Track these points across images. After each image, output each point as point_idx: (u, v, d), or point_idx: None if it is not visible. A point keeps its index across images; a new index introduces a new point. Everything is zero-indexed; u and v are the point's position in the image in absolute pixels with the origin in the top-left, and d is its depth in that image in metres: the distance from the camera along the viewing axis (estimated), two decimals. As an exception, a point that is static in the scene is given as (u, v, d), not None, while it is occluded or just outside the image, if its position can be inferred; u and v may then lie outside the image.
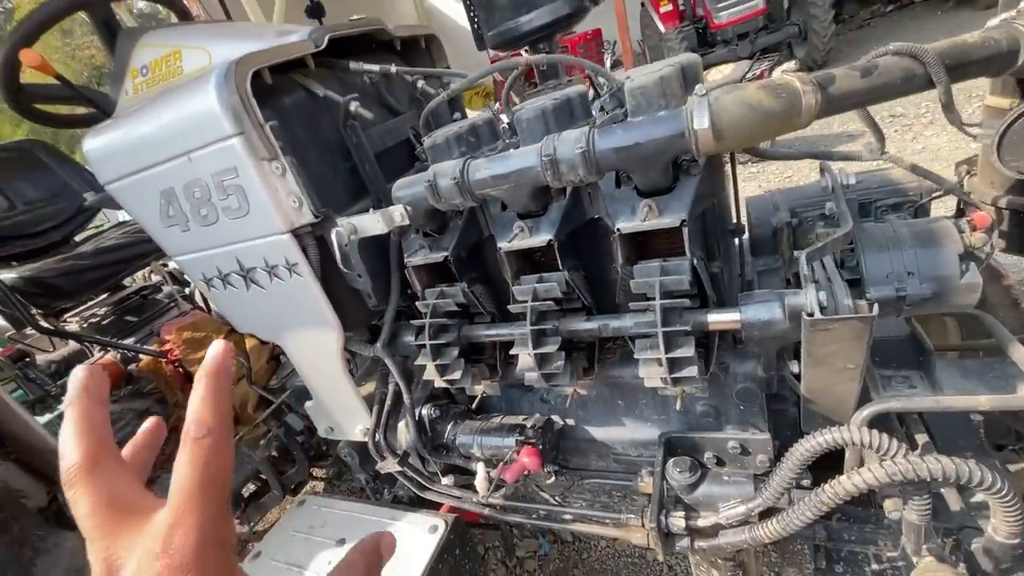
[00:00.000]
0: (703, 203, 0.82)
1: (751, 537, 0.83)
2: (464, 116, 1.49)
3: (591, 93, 1.14)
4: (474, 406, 1.15)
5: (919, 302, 0.78)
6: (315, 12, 2.19)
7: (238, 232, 0.96)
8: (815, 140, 4.92)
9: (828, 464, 0.84)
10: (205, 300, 2.00)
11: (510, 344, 0.98)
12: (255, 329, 1.14)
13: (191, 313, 1.96)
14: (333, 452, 1.72)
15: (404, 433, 1.14)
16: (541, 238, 0.87)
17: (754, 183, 4.58)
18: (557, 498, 1.16)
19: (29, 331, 1.84)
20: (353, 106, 0.99)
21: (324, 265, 0.99)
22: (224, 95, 0.82)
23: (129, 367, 1.86)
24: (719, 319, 0.82)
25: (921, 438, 0.96)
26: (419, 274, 1.03)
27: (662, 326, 0.77)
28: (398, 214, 0.87)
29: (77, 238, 2.20)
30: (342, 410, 1.18)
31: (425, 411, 1.16)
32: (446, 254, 0.96)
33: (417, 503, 1.26)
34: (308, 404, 1.24)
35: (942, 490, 0.89)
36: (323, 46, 0.98)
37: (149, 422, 0.41)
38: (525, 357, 0.92)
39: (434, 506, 1.26)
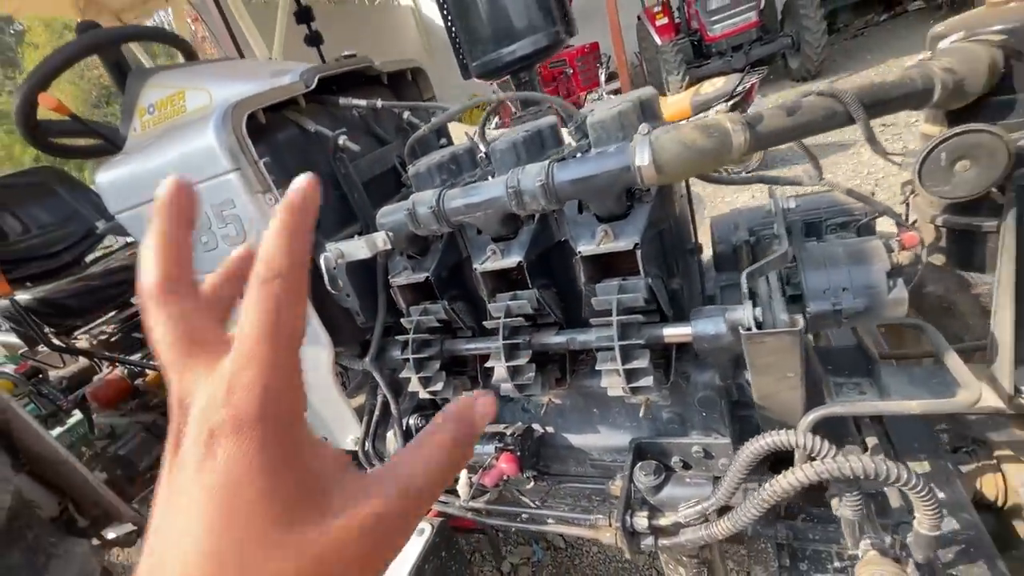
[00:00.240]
0: (656, 227, 0.90)
1: (708, 534, 0.90)
2: (450, 142, 1.58)
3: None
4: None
5: (854, 315, 0.85)
6: (313, 41, 2.30)
7: (236, 257, 1.05)
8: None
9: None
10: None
11: (488, 357, 1.06)
12: (253, 345, 1.22)
13: (195, 329, 2.04)
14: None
15: (392, 442, 1.22)
16: (512, 259, 0.95)
17: (747, 193, 4.66)
18: (536, 502, 1.23)
19: (42, 348, 1.93)
20: (341, 140, 1.08)
21: (315, 286, 1.07)
22: (222, 136, 0.91)
23: (136, 381, 1.95)
24: (673, 333, 0.89)
25: (871, 441, 1.03)
26: (403, 293, 1.11)
27: (619, 340, 0.85)
28: (381, 240, 0.96)
29: (88, 259, 2.31)
30: (334, 420, 1.26)
31: (412, 421, 1.23)
32: (427, 274, 1.04)
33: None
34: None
35: (885, 489, 0.95)
36: (313, 86, 1.07)
37: (239, 250, 0.35)
38: (499, 369, 0.99)
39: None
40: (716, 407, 1.03)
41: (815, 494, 1.04)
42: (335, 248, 0.97)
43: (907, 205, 1.11)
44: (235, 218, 0.99)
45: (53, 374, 1.98)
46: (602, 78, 5.93)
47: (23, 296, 1.78)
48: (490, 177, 1.06)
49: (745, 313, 0.77)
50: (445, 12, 1.50)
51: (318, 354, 1.12)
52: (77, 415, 2.01)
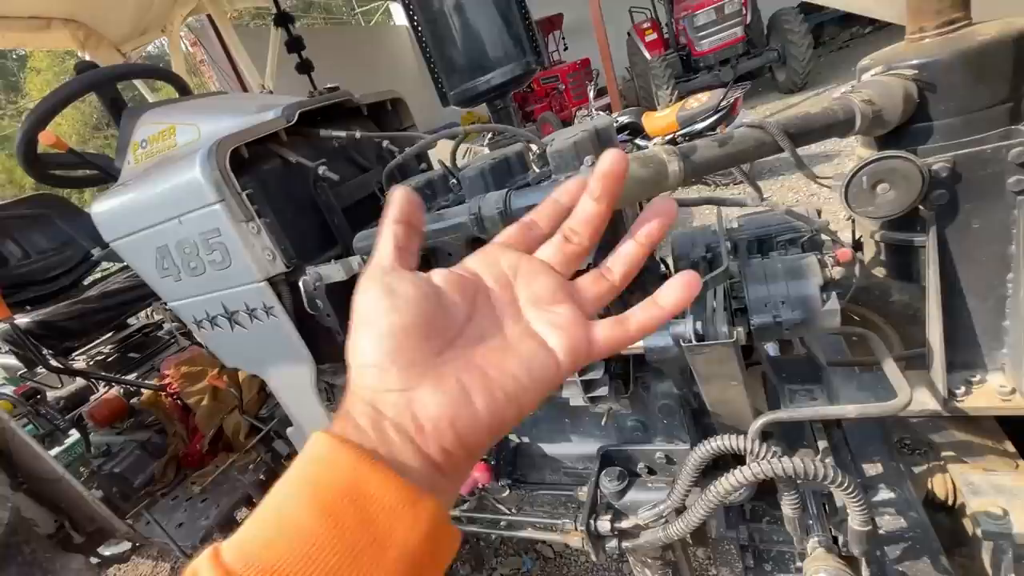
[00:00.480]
0: (609, 248, 0.96)
1: (665, 535, 0.95)
2: (430, 167, 1.66)
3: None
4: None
5: (793, 326, 0.91)
6: (304, 68, 2.39)
7: (222, 281, 1.12)
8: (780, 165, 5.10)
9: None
10: (203, 336, 2.15)
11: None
12: (241, 364, 1.28)
13: (190, 349, 2.12)
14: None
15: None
16: (478, 280, 1.02)
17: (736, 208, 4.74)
18: (513, 509, 1.28)
19: (40, 370, 2.00)
20: (321, 170, 1.15)
21: (298, 307, 1.14)
22: (207, 170, 0.99)
23: (132, 401, 2.00)
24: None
25: (823, 444, 1.09)
26: (381, 312, 1.17)
27: (575, 353, 0.91)
28: (356, 263, 1.02)
29: (86, 282, 2.38)
30: (319, 434, 1.32)
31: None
32: (402, 294, 1.11)
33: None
34: (289, 430, 1.37)
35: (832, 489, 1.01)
36: (294, 121, 1.15)
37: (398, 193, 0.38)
38: (469, 383, 1.05)
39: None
40: (676, 415, 1.09)
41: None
42: (313, 271, 1.04)
43: (853, 221, 1.18)
44: (220, 245, 1.06)
45: (51, 394, 2.04)
46: (591, 94, 6.06)
47: (22, 319, 1.85)
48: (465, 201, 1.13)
49: (687, 327, 0.83)
50: (423, 44, 1.59)
51: (301, 371, 1.19)
52: (75, 434, 2.06)
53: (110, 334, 2.30)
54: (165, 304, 2.41)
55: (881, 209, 0.87)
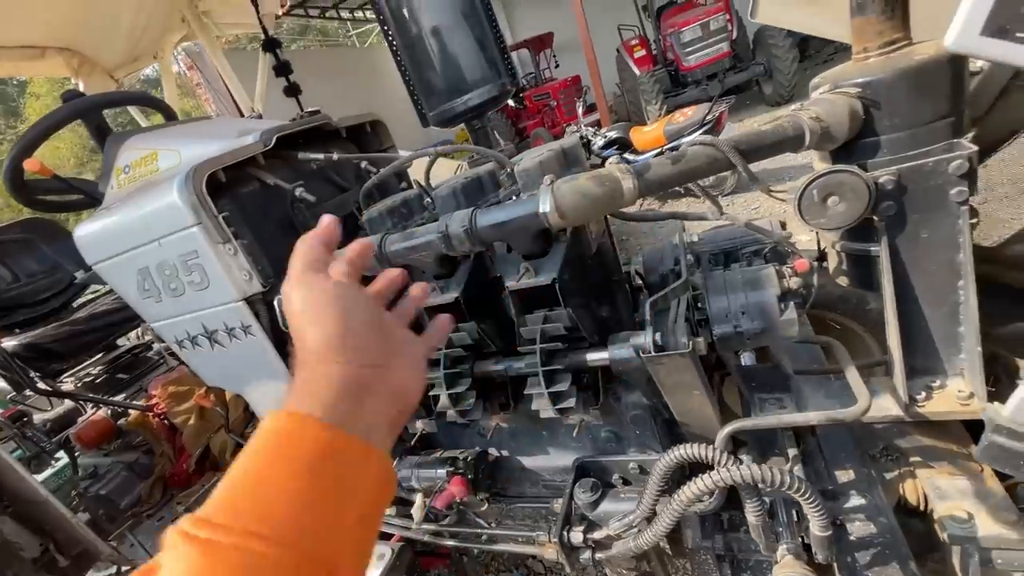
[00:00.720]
0: (575, 263, 0.99)
1: (635, 545, 0.96)
2: (410, 186, 1.70)
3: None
4: (412, 443, 1.29)
5: (754, 336, 0.94)
6: (291, 91, 2.44)
7: (201, 301, 1.14)
8: (779, 169, 5.18)
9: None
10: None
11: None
12: (221, 382, 1.30)
13: (178, 368, 2.13)
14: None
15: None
16: (449, 296, 1.05)
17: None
18: (493, 523, 1.29)
19: (29, 392, 2.00)
20: (298, 192, 1.18)
21: (275, 326, 1.16)
22: (184, 195, 1.02)
23: (119, 422, 2.01)
24: (595, 357, 0.98)
25: (792, 451, 1.10)
26: (358, 329, 1.20)
27: (542, 366, 0.94)
28: (330, 282, 1.05)
29: (76, 304, 2.40)
30: (300, 452, 1.33)
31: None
32: (377, 311, 1.14)
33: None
34: (272, 448, 1.38)
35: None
36: (271, 145, 1.19)
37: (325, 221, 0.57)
38: (443, 397, 1.07)
39: (387, 538, 1.39)
40: (648, 425, 1.11)
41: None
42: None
43: (817, 232, 1.21)
44: (199, 266, 1.09)
45: (39, 417, 2.04)
46: (580, 111, 6.15)
47: (9, 342, 1.87)
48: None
49: (646, 338, 0.86)
50: (403, 68, 1.64)
51: (279, 388, 1.21)
52: (63, 457, 2.06)
53: (99, 355, 2.32)
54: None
55: (833, 221, 0.90)
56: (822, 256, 1.26)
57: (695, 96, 7.65)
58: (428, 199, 1.24)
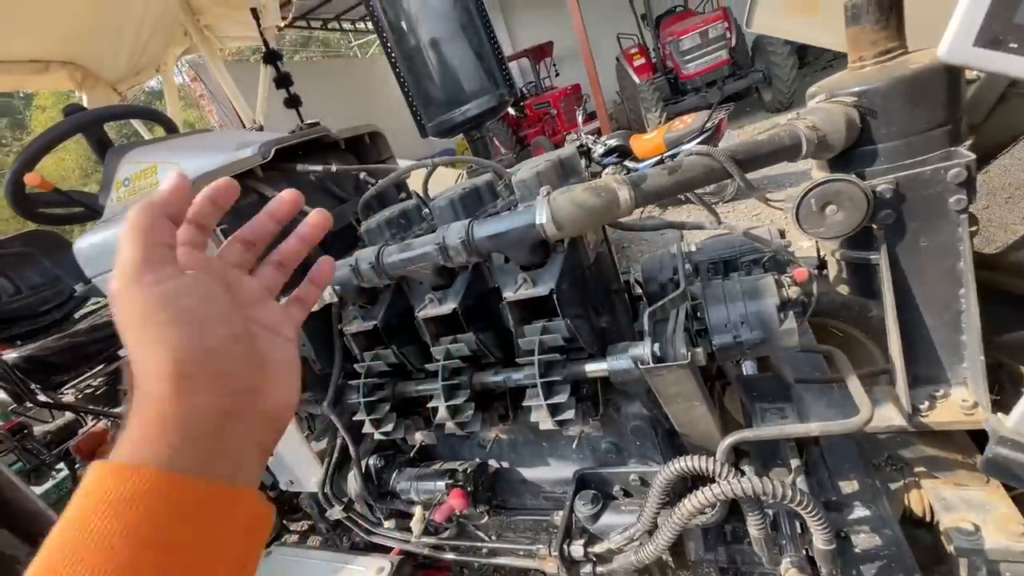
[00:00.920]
0: (572, 273, 0.99)
1: (636, 559, 0.95)
2: (409, 197, 1.70)
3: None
4: (412, 454, 1.28)
5: (754, 346, 0.93)
6: (292, 103, 2.46)
7: (199, 314, 1.14)
8: (780, 176, 5.18)
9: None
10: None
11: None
12: (220, 395, 1.29)
13: (179, 380, 2.12)
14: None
15: (353, 483, 1.28)
16: (447, 307, 1.04)
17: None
18: (493, 536, 1.28)
19: (28, 404, 2.00)
20: (296, 203, 1.18)
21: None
22: (182, 207, 1.02)
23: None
24: (594, 368, 0.97)
25: (794, 462, 1.09)
26: (356, 340, 1.19)
27: (540, 377, 0.93)
28: (327, 294, 1.05)
29: (76, 315, 2.40)
30: (298, 465, 1.32)
31: (372, 461, 1.29)
32: (375, 322, 1.13)
33: (371, 549, 1.37)
34: (270, 460, 1.37)
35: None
36: (270, 158, 1.19)
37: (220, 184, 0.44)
38: (442, 409, 1.07)
39: (387, 551, 1.37)
40: (648, 436, 1.10)
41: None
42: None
43: (817, 240, 1.21)
44: (197, 279, 1.08)
45: (39, 429, 2.04)
46: (580, 119, 6.17)
47: (10, 355, 1.87)
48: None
49: (645, 349, 0.85)
50: (401, 79, 1.65)
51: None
52: (63, 469, 2.05)
53: (100, 367, 2.32)
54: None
55: (831, 230, 0.89)
56: (822, 264, 1.26)
57: (694, 103, 7.67)
58: (426, 210, 1.24)
